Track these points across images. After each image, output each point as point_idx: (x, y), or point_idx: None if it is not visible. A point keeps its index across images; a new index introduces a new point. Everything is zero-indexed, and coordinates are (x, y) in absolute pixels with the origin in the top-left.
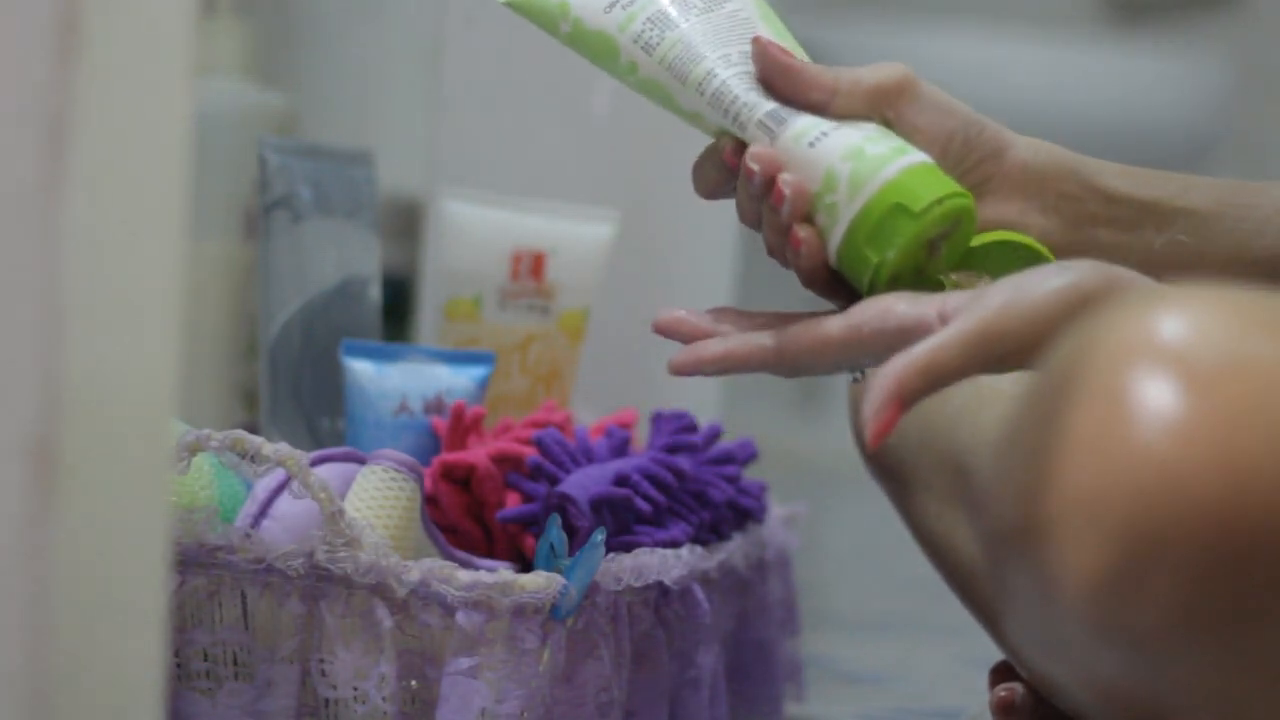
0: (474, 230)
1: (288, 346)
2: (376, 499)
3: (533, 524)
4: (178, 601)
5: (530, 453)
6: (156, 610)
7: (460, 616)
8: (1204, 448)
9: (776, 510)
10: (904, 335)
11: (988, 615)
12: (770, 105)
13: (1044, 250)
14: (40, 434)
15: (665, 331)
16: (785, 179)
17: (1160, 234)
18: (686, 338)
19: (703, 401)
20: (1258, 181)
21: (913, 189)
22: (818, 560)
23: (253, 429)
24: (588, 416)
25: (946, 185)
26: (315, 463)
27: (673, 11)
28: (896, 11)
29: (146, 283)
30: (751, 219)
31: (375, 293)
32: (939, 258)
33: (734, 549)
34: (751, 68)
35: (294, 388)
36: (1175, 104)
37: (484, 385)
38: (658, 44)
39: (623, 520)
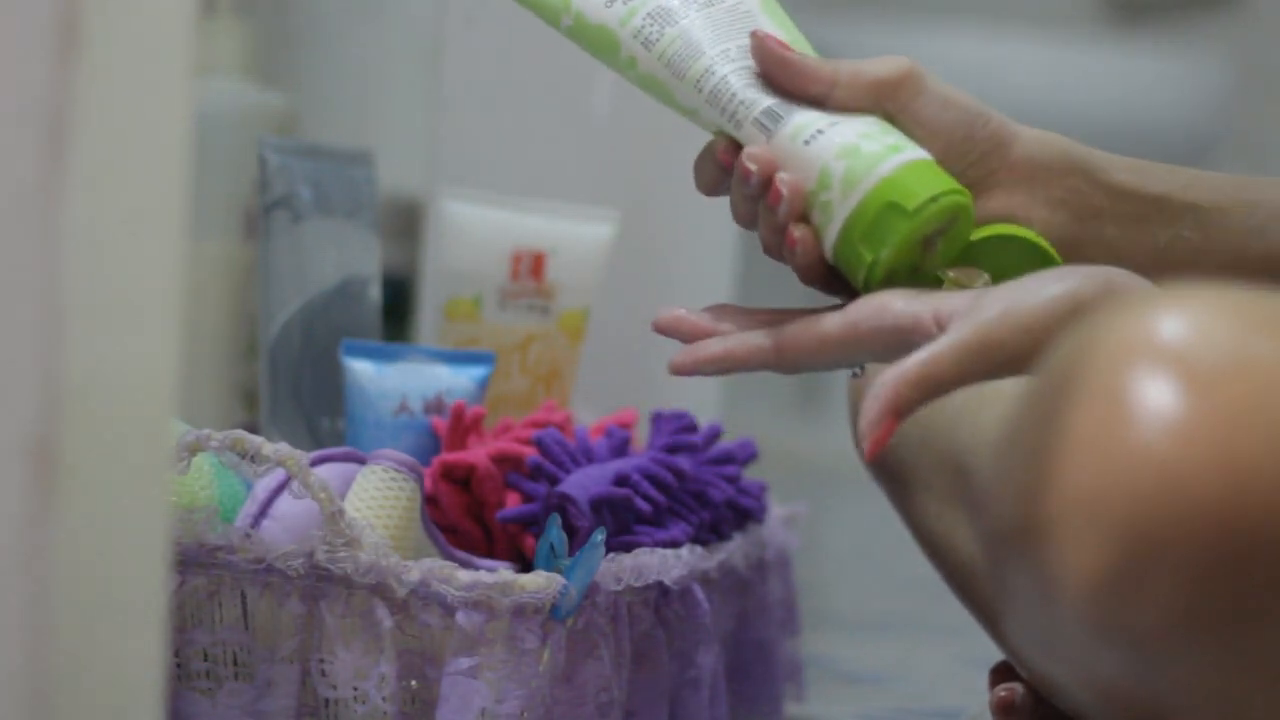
0: (474, 230)
1: (288, 346)
2: (376, 499)
3: (533, 524)
4: (178, 601)
5: (530, 453)
6: (156, 610)
7: (460, 616)
8: (1204, 448)
9: (776, 510)
10: (899, 334)
11: (988, 615)
12: (767, 103)
13: (1045, 244)
14: (40, 434)
15: (665, 330)
16: (783, 178)
17: (1165, 229)
18: (686, 336)
19: (703, 401)
20: (1265, 178)
21: (907, 187)
22: (818, 560)
23: (253, 429)
24: (588, 416)
25: (942, 182)
26: (315, 463)
27: (674, 6)
28: (896, 11)
29: (146, 283)
30: (746, 218)
31: (375, 293)
32: (936, 254)
33: (734, 549)
34: (750, 62)
35: (294, 388)
36: (1175, 104)
37: (484, 385)
38: (657, 39)
39: (623, 520)
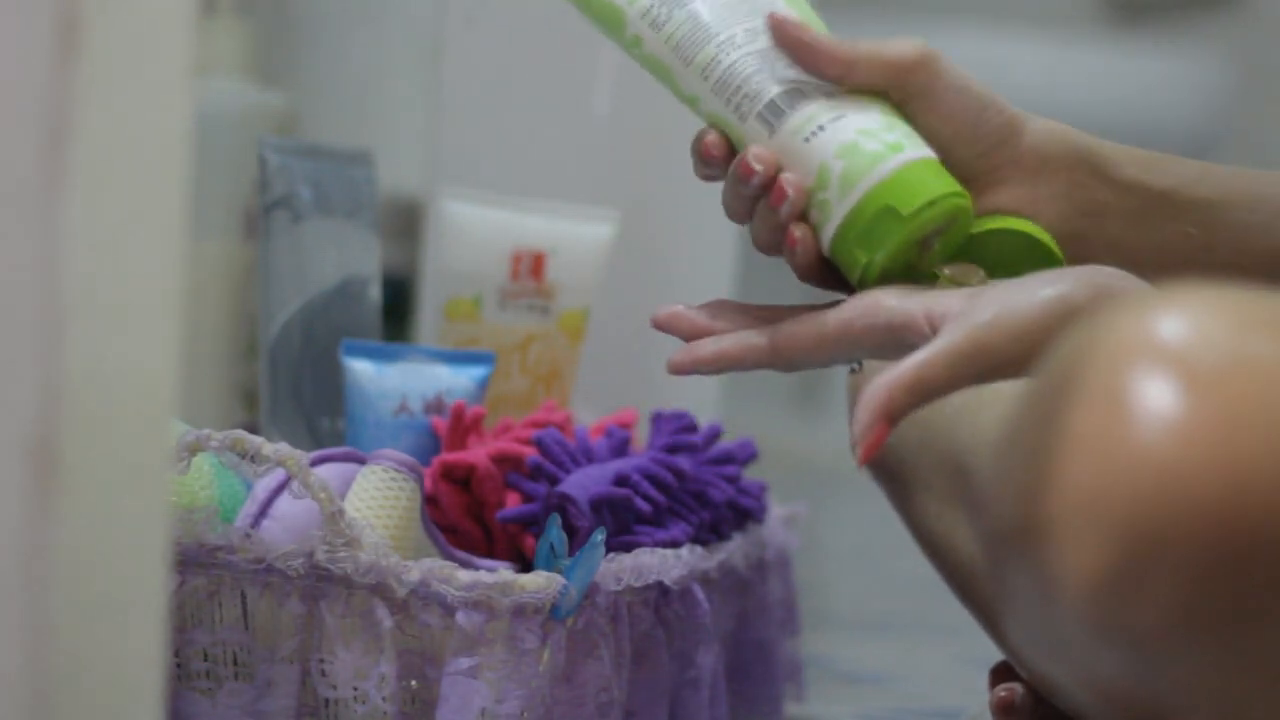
0: (474, 230)
1: (288, 346)
2: (376, 499)
3: (533, 524)
4: (178, 601)
5: (530, 453)
6: (156, 610)
7: (460, 616)
8: (1204, 448)
9: (776, 510)
10: (892, 333)
11: (988, 615)
12: (770, 95)
13: (1046, 239)
14: (40, 434)
15: (663, 327)
16: (787, 179)
17: (1169, 226)
18: (685, 333)
19: (703, 401)
20: (1272, 171)
21: (904, 191)
22: (818, 560)
23: (253, 429)
24: (588, 416)
25: (940, 186)
26: (315, 463)
27: None
28: (897, 10)
29: (146, 283)
30: (740, 214)
31: (375, 293)
32: (932, 253)
33: (734, 549)
34: (757, 48)
35: (294, 388)
36: (1175, 104)
37: (484, 385)
38: (665, 22)
39: (623, 520)
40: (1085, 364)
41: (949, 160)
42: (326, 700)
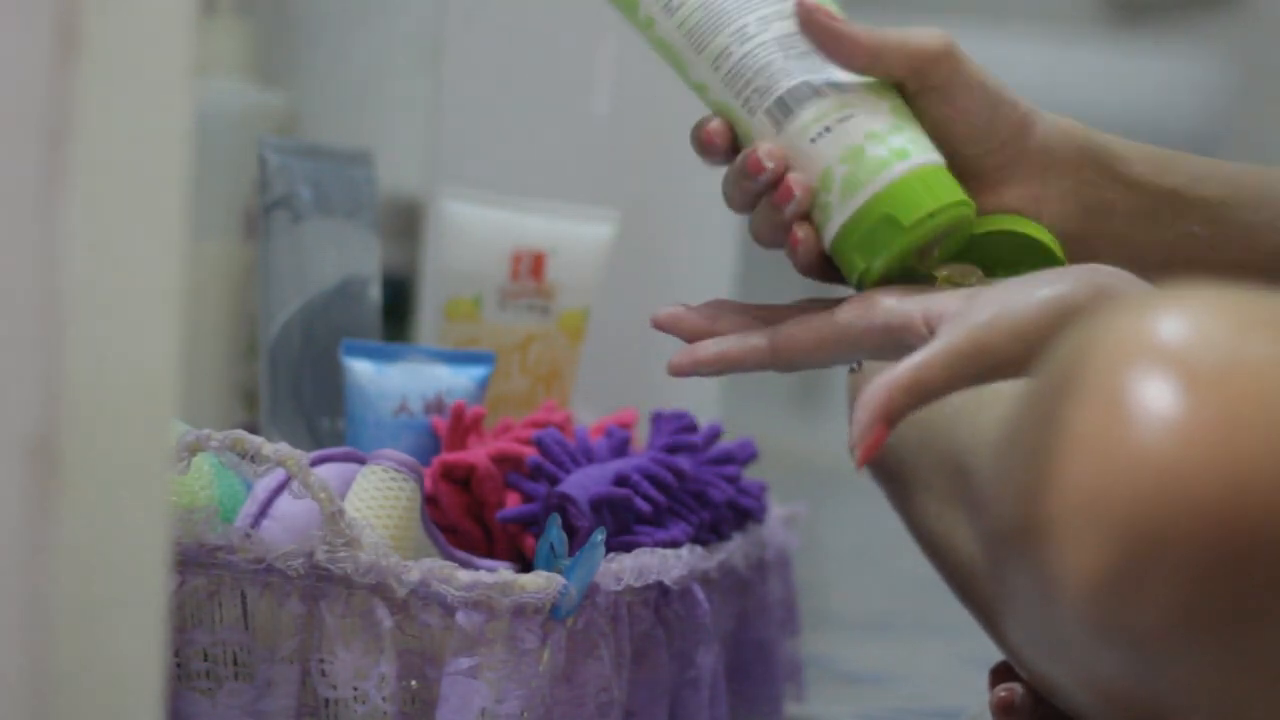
0: (474, 230)
1: (288, 346)
2: (376, 499)
3: (533, 524)
4: (178, 601)
5: (530, 453)
6: (156, 610)
7: (460, 616)
8: (1204, 448)
9: (776, 510)
10: (890, 334)
11: (988, 615)
12: (778, 93)
13: (1047, 239)
14: (40, 434)
15: (663, 327)
16: (794, 179)
17: (1175, 225)
18: (685, 333)
19: (703, 401)
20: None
21: (905, 200)
22: (818, 560)
23: (253, 429)
24: (588, 416)
25: (941, 196)
26: (315, 463)
27: None
28: (897, 10)
29: (146, 283)
30: (741, 206)
31: (375, 293)
32: (932, 257)
33: (734, 549)
34: (769, 38)
35: (294, 388)
36: (1175, 104)
37: (484, 385)
38: (679, 6)
39: (623, 520)
40: (1085, 364)
41: (957, 157)
42: (326, 700)
